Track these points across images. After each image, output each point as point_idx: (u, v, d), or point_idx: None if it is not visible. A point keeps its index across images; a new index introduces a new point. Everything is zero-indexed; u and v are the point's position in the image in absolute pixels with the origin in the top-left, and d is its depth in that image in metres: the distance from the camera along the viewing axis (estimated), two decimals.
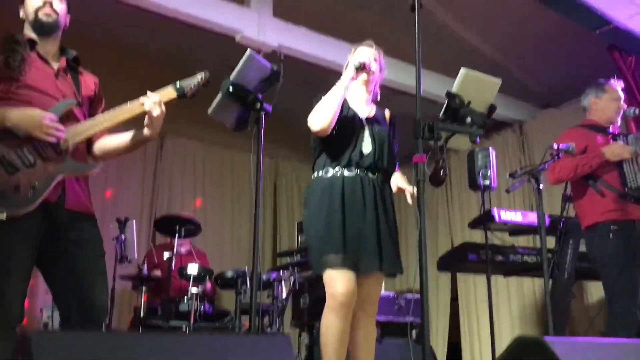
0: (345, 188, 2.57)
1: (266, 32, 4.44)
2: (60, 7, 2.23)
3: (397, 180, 2.68)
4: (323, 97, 2.61)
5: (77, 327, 2.06)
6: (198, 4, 4.14)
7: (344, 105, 2.65)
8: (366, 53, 2.74)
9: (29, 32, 2.20)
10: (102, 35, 5.03)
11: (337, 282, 2.44)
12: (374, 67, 2.72)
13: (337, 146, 2.60)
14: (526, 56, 5.33)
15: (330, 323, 2.45)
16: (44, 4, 2.20)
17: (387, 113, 2.88)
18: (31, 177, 1.96)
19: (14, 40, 2.12)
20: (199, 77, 2.29)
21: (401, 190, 2.65)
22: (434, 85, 4.82)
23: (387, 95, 5.43)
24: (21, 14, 2.23)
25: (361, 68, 2.60)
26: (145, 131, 2.21)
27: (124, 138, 2.29)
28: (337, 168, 2.61)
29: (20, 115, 1.99)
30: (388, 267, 2.59)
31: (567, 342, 1.61)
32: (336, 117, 2.55)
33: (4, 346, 1.93)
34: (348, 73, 2.61)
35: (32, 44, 2.17)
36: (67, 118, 2.13)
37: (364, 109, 2.76)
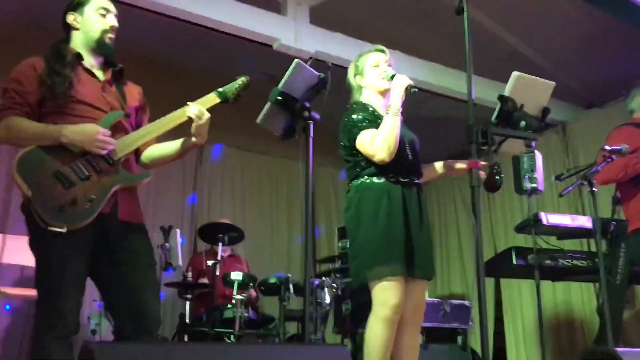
0: (405, 194, 2.51)
1: (303, 39, 4.46)
2: None
3: (447, 163, 2.73)
4: (364, 116, 2.56)
5: (132, 337, 2.08)
6: (236, 14, 4.18)
7: (380, 118, 2.59)
8: (380, 59, 2.68)
9: (79, 44, 2.23)
10: (141, 49, 5.12)
11: (392, 293, 2.41)
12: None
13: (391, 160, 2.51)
14: (568, 57, 5.23)
15: (379, 333, 2.41)
16: (111, 28, 2.24)
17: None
18: (87, 190, 1.99)
19: (62, 62, 2.13)
20: (240, 81, 2.32)
21: (460, 169, 2.68)
22: (475, 88, 4.77)
23: (423, 97, 5.44)
24: (69, 18, 2.24)
25: (414, 92, 2.51)
26: (194, 138, 2.24)
27: (172, 145, 2.32)
28: (390, 175, 2.53)
29: (74, 132, 2.02)
30: (433, 274, 2.60)
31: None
32: None
33: (62, 355, 1.96)
34: (397, 96, 2.50)
35: (79, 57, 2.20)
36: (115, 129, 2.16)
37: None
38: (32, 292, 3.55)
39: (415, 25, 5.03)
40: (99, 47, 2.23)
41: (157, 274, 2.25)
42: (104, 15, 2.24)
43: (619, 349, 1.53)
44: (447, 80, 4.99)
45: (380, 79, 2.64)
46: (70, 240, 1.96)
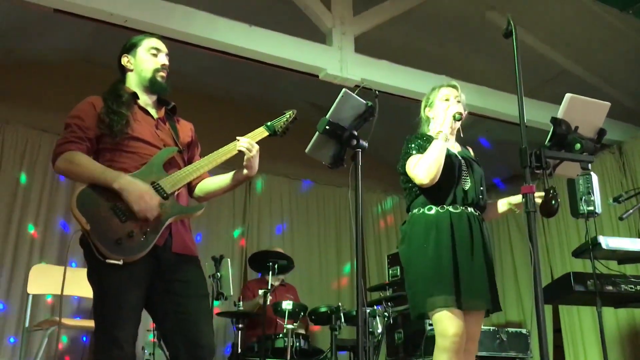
0: (454, 224, 2.53)
1: (349, 68, 4.49)
2: None
3: (505, 200, 2.70)
4: (419, 142, 2.64)
5: None
6: (283, 46, 4.24)
7: None
8: (451, 94, 2.73)
9: (133, 84, 2.32)
10: (188, 82, 5.28)
11: (449, 322, 2.40)
12: (463, 109, 2.73)
13: (439, 186, 2.57)
14: (620, 74, 5.09)
15: None
16: (163, 66, 2.33)
17: (470, 151, 2.88)
18: (142, 224, 2.05)
19: (119, 101, 2.22)
20: (288, 115, 2.41)
21: (517, 206, 2.65)
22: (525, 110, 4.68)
23: (472, 121, 5.39)
24: (124, 60, 2.34)
25: (459, 119, 2.64)
26: (245, 170, 2.30)
27: (223, 178, 2.37)
28: (441, 206, 2.58)
29: (129, 183, 2.05)
30: (493, 305, 2.55)
31: None
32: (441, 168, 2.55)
33: None
34: (447, 124, 2.60)
35: (134, 96, 2.30)
36: (169, 164, 2.24)
37: (455, 147, 2.77)
38: (89, 323, 3.65)
39: (461, 49, 5.01)
40: (152, 86, 2.31)
41: (210, 305, 2.28)
42: (155, 55, 2.33)
43: None
44: (496, 103, 4.92)
45: (446, 113, 2.66)
46: (127, 272, 2.01)
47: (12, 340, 4.67)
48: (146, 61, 2.31)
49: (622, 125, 5.49)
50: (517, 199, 2.66)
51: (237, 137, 2.28)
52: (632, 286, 3.70)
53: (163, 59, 2.34)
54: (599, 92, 5.03)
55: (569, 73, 5.13)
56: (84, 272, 2.12)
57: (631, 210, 3.09)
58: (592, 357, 5.31)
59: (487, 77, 4.93)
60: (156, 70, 2.31)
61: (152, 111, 2.33)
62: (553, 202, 1.89)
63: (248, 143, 2.25)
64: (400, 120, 4.25)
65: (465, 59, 5.08)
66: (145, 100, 2.32)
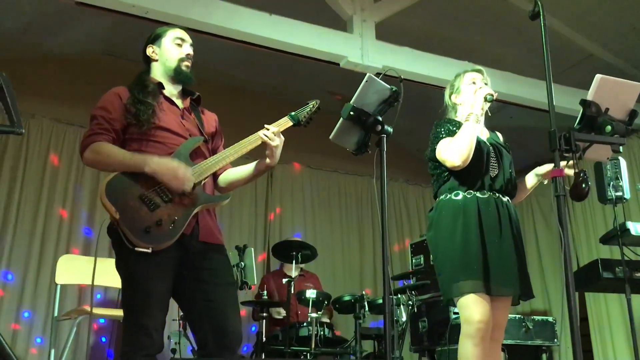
0: (481, 209, 2.50)
1: (370, 55, 4.46)
2: None
3: (532, 173, 2.65)
4: (448, 127, 2.60)
5: (214, 353, 2.11)
6: (303, 34, 4.23)
7: None
8: (477, 78, 2.70)
9: (158, 75, 2.34)
10: (209, 73, 5.28)
11: (474, 308, 2.37)
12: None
13: (468, 172, 2.54)
14: None
15: (468, 351, 2.37)
16: (187, 56, 2.34)
17: (500, 136, 2.83)
18: (171, 212, 2.06)
19: (145, 91, 2.23)
20: (311, 105, 2.41)
21: (544, 176, 2.60)
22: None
23: (497, 107, 5.30)
24: (149, 51, 2.35)
25: (491, 100, 2.57)
26: (267, 160, 2.30)
27: (246, 169, 2.38)
28: (468, 191, 2.54)
29: (159, 164, 2.08)
30: (524, 291, 2.51)
31: None
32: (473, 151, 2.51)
33: None
34: (478, 105, 2.54)
35: (160, 86, 2.31)
36: (195, 154, 2.25)
37: (483, 133, 2.72)
38: (115, 312, 3.69)
39: (484, 34, 4.94)
40: (177, 75, 2.32)
41: (236, 293, 2.29)
42: (180, 45, 2.34)
43: None
44: (520, 89, 4.85)
45: (476, 94, 2.60)
46: (155, 260, 2.03)
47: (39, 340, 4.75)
48: (171, 51, 2.33)
49: None
50: (544, 168, 2.61)
51: (265, 126, 2.29)
52: None
53: (188, 49, 2.36)
54: (627, 76, 4.91)
55: (595, 57, 5.03)
56: (110, 262, 2.14)
57: None
58: (620, 346, 5.24)
59: (511, 62, 4.85)
60: (181, 60, 2.32)
61: (178, 101, 2.34)
62: (583, 185, 1.85)
63: (273, 133, 2.26)
64: (422, 109, 4.21)
65: (488, 45, 5.00)
66: (171, 90, 2.34)
